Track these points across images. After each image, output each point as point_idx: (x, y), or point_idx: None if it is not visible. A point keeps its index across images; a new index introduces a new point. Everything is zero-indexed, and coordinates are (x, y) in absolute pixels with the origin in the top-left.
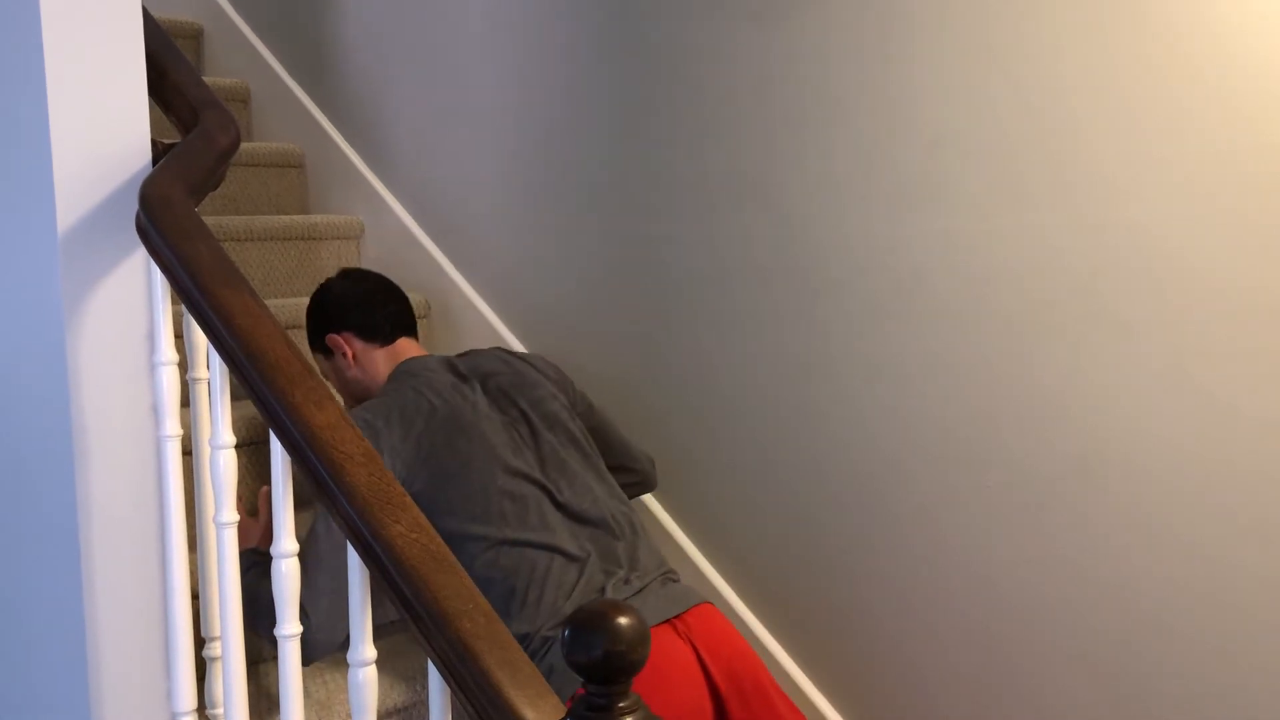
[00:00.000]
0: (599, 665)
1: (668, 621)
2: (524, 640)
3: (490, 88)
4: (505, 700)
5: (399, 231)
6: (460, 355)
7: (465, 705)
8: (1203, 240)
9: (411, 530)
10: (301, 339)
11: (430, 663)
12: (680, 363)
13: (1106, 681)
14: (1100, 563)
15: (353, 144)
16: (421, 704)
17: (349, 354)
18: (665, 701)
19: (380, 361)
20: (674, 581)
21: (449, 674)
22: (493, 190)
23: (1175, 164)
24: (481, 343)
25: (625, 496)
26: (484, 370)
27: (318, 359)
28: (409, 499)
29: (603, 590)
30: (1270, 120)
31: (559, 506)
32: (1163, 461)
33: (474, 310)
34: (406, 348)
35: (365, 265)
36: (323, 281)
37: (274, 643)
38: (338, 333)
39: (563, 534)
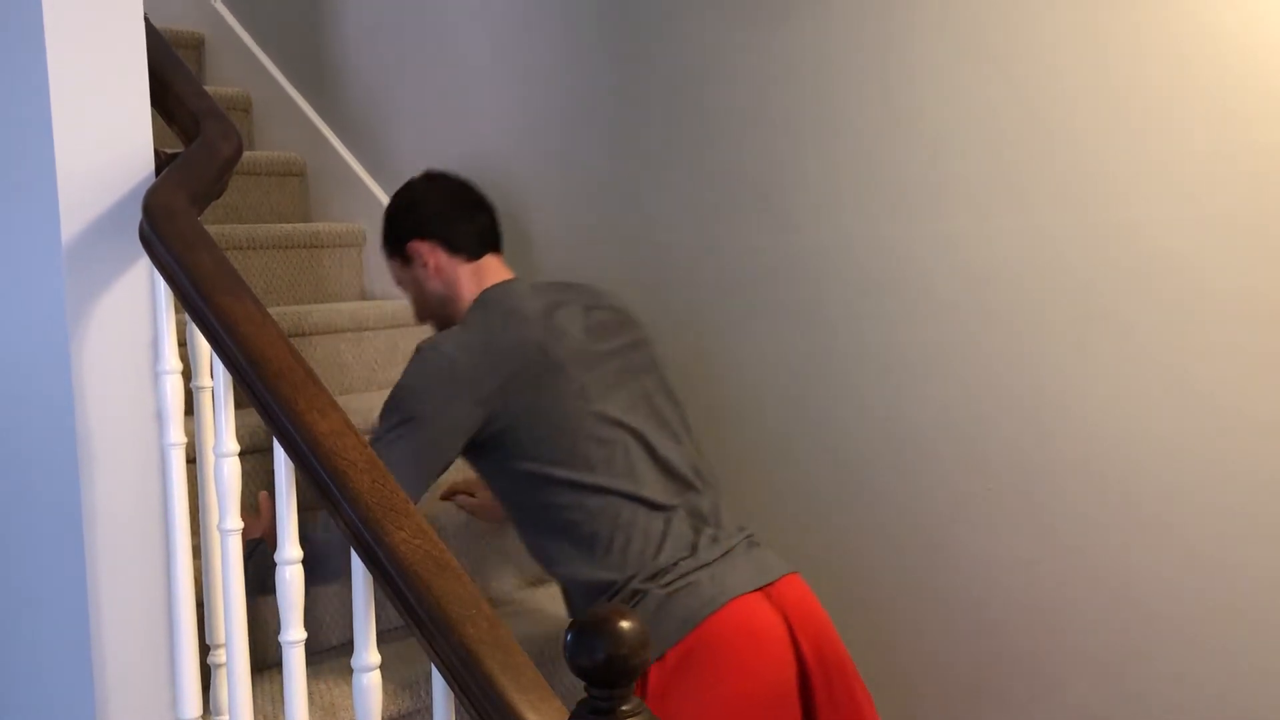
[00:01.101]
0: (601, 669)
1: (761, 589)
2: (609, 588)
3: (491, 95)
4: (509, 705)
5: None
6: (554, 283)
7: (469, 710)
8: (1202, 242)
9: (414, 536)
10: (305, 347)
11: (434, 668)
12: (681, 365)
13: (1107, 680)
14: (1100, 562)
15: (354, 152)
16: (425, 709)
17: (430, 265)
18: (757, 676)
19: (465, 279)
20: (758, 545)
21: (452, 679)
22: (494, 198)
23: (1174, 166)
24: None
25: (706, 456)
26: (584, 302)
27: (392, 265)
28: (411, 505)
29: (693, 546)
30: (1268, 122)
31: (649, 453)
32: (1162, 461)
33: None
34: (493, 267)
35: (367, 275)
36: (407, 181)
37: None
38: (421, 240)
39: (651, 483)
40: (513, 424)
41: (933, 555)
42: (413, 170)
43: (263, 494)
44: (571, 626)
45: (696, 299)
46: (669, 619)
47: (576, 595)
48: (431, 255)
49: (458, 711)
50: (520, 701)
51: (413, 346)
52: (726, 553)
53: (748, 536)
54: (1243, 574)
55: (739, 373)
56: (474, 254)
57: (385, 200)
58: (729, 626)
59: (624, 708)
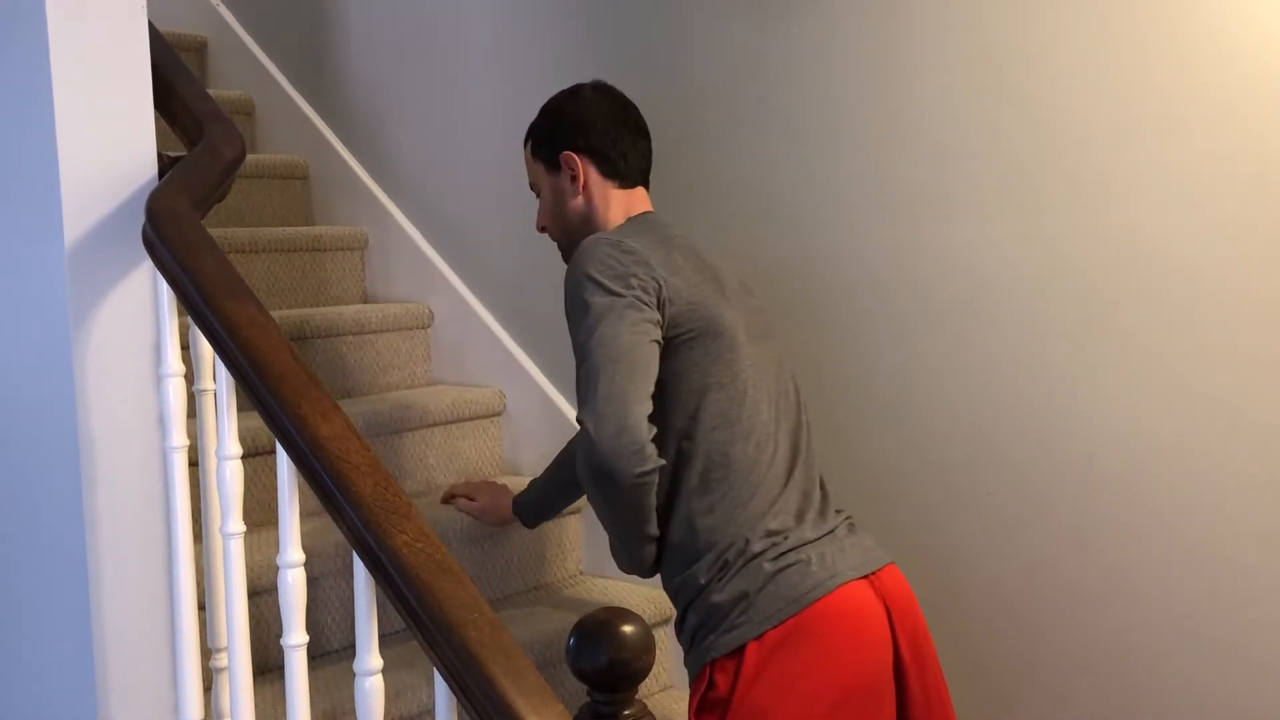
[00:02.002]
0: (604, 673)
1: (866, 577)
2: (717, 547)
3: (493, 97)
4: (511, 709)
5: (403, 242)
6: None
7: (471, 714)
8: (1204, 245)
9: (417, 540)
10: (307, 350)
11: (436, 671)
12: None
13: (1109, 680)
14: (1102, 563)
15: (356, 155)
16: (428, 713)
17: (580, 179)
18: (860, 665)
19: (614, 202)
20: (856, 529)
21: (454, 683)
22: (497, 201)
23: (1177, 169)
24: (483, 351)
25: None
26: (714, 262)
27: (535, 169)
28: (414, 508)
29: (800, 516)
30: (1271, 125)
31: (784, 411)
32: (1165, 463)
33: (478, 320)
34: (642, 199)
35: (369, 277)
36: (573, 86)
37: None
38: (576, 152)
39: (780, 440)
40: (688, 334)
41: (936, 556)
42: (415, 173)
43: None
44: (574, 631)
45: None
46: (775, 597)
47: (678, 547)
48: (584, 170)
49: (460, 715)
50: (522, 705)
51: (415, 350)
52: (831, 532)
53: (847, 519)
54: (1245, 575)
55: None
56: (629, 180)
57: (388, 203)
58: (835, 612)
59: (626, 712)
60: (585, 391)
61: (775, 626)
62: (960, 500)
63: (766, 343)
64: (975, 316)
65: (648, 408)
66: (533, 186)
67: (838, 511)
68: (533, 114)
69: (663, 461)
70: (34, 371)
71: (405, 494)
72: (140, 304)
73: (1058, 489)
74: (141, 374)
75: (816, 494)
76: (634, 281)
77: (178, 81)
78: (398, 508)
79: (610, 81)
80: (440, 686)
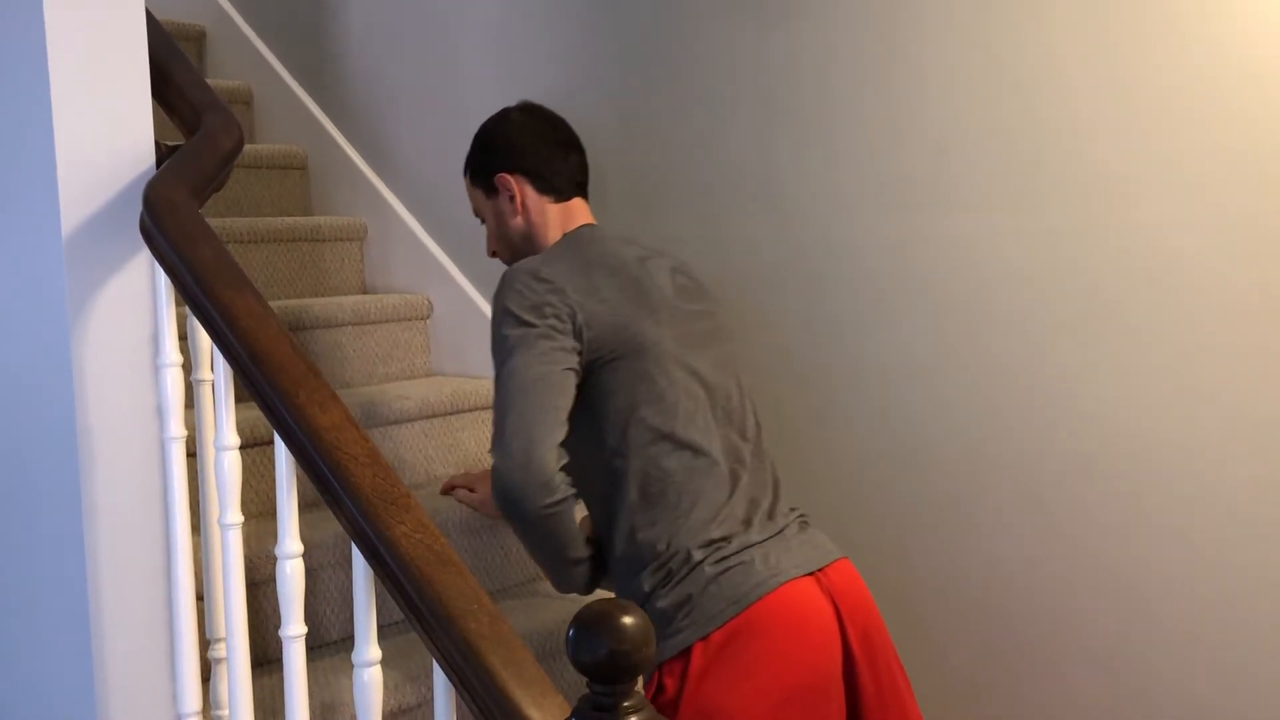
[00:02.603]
0: (604, 665)
1: (811, 574)
2: (661, 556)
3: (492, 89)
4: (510, 700)
5: (402, 233)
6: (635, 241)
7: (471, 705)
8: (1206, 242)
9: (415, 531)
10: (306, 340)
11: (435, 663)
12: None
13: (1109, 677)
14: (1103, 560)
15: (355, 145)
16: (427, 704)
17: (517, 199)
18: (805, 662)
19: (551, 218)
20: (809, 526)
21: (454, 674)
22: None
23: (1180, 165)
24: (483, 342)
25: None
26: (669, 263)
27: (474, 194)
28: (413, 499)
29: (747, 522)
30: (1274, 120)
31: (727, 417)
32: (1166, 460)
33: (477, 311)
34: (581, 210)
35: (368, 266)
36: (501, 110)
37: (564, 564)
38: (510, 173)
39: (722, 448)
40: (608, 357)
41: (935, 552)
42: (414, 163)
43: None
44: (573, 622)
45: None
46: (717, 598)
47: (624, 558)
48: (520, 189)
49: (459, 706)
50: (522, 697)
51: (414, 341)
52: (780, 532)
53: (800, 517)
54: (1245, 572)
55: (738, 367)
56: (564, 194)
57: (387, 193)
58: (778, 610)
59: (626, 704)
60: (496, 425)
61: (719, 627)
62: (959, 497)
63: (708, 349)
64: (975, 312)
65: (558, 436)
66: (476, 213)
67: (792, 509)
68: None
69: (572, 491)
70: (32, 362)
71: (404, 485)
72: (138, 294)
73: (1058, 483)
74: (139, 364)
75: (766, 498)
76: (547, 310)
77: (175, 70)
78: (396, 498)
79: (609, 73)
80: (439, 678)
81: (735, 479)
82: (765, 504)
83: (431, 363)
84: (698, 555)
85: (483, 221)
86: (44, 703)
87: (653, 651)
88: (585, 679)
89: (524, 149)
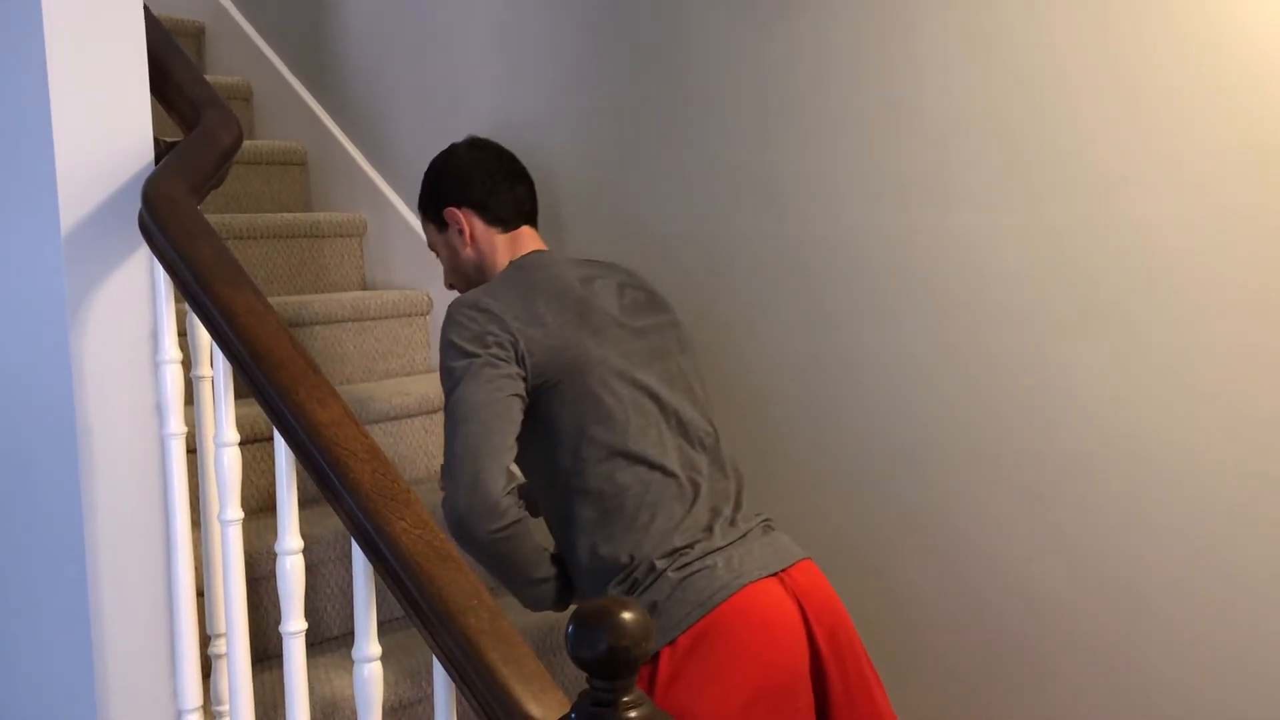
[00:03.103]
0: (603, 660)
1: (775, 575)
2: (625, 568)
3: (491, 85)
4: (510, 695)
5: (401, 228)
6: (588, 260)
7: (471, 701)
8: (1207, 237)
9: (415, 526)
10: (305, 336)
11: (435, 659)
12: None
13: (1107, 674)
14: (1103, 557)
15: (355, 141)
16: (427, 700)
17: (466, 232)
18: (770, 661)
19: (500, 247)
20: (773, 530)
21: (454, 670)
22: None
23: (1179, 161)
24: None
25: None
26: (618, 279)
27: (427, 229)
28: (413, 495)
29: (709, 529)
30: (1274, 116)
31: (681, 429)
32: (1165, 457)
33: None
34: (529, 238)
35: (368, 264)
36: (449, 146)
37: (528, 583)
38: (458, 207)
39: (678, 459)
40: (552, 381)
41: (934, 549)
42: (413, 159)
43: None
44: (573, 618)
45: (696, 291)
46: (681, 603)
47: (593, 570)
48: (468, 222)
49: (459, 702)
50: (522, 692)
51: (413, 337)
52: (742, 536)
53: (764, 521)
54: (1245, 571)
55: (739, 365)
56: (511, 224)
57: (386, 189)
58: (742, 612)
59: (626, 699)
60: (445, 454)
61: (684, 631)
62: (957, 494)
63: (657, 363)
64: (974, 309)
65: (504, 462)
66: (431, 248)
67: (757, 514)
68: (532, 100)
69: (523, 514)
70: (32, 359)
71: (404, 481)
72: (137, 290)
73: (1057, 480)
74: (139, 361)
75: (728, 506)
76: (489, 339)
77: (174, 67)
78: (396, 494)
79: (609, 71)
80: (440, 674)
81: (694, 489)
82: (727, 511)
83: (431, 359)
84: (661, 564)
85: (438, 256)
86: (44, 700)
87: (651, 646)
88: (585, 674)
89: (471, 183)
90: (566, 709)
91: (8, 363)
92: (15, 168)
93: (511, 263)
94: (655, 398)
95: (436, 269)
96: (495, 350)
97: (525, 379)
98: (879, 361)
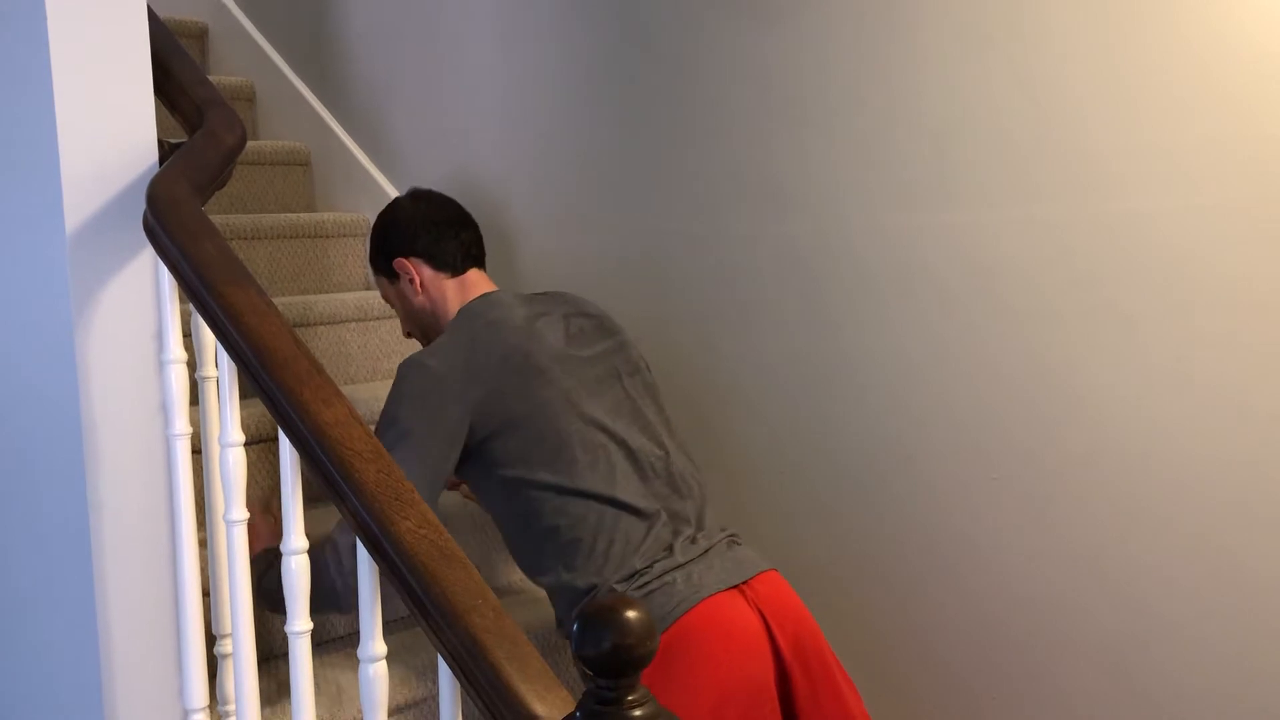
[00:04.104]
0: (607, 659)
1: (736, 587)
2: (589, 593)
3: (495, 85)
4: (515, 694)
5: None
6: (538, 293)
7: (475, 700)
8: (1207, 233)
9: (420, 526)
10: (310, 336)
11: (440, 658)
12: (686, 356)
13: (1111, 673)
14: (1105, 555)
15: (358, 141)
16: (432, 699)
17: (416, 280)
18: (731, 670)
19: (449, 292)
20: (738, 545)
21: (459, 669)
22: (498, 188)
23: (1179, 156)
24: None
25: (693, 456)
26: (567, 309)
27: (380, 282)
28: (417, 495)
29: (670, 548)
30: (1272, 110)
31: (631, 459)
32: (1167, 454)
33: None
34: (477, 281)
35: None
36: (393, 199)
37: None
38: (405, 257)
39: (633, 488)
40: (499, 430)
41: (934, 548)
42: (417, 159)
43: (274, 500)
44: (577, 617)
45: (696, 288)
46: None
47: (560, 601)
48: (416, 271)
49: (464, 701)
50: (526, 691)
51: None
52: (704, 553)
53: (729, 536)
54: (1245, 568)
55: (739, 362)
56: (458, 269)
57: (391, 190)
58: (702, 624)
59: (630, 697)
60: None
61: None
62: (958, 488)
63: (606, 393)
64: (975, 303)
65: (434, 491)
66: (386, 299)
67: (722, 530)
68: (536, 99)
69: None
70: (37, 359)
71: (408, 482)
72: (142, 291)
73: (1057, 478)
74: (143, 361)
75: (688, 526)
76: (432, 400)
77: (177, 67)
78: (401, 494)
79: (612, 68)
80: (444, 672)
81: (652, 514)
82: (688, 530)
83: None
84: (620, 587)
85: (393, 307)
86: (51, 699)
87: (656, 645)
88: (589, 673)
89: (416, 233)
90: (571, 708)
91: (13, 364)
92: (20, 169)
93: (460, 310)
94: (604, 429)
95: None
96: (436, 405)
97: (472, 429)
98: (879, 359)
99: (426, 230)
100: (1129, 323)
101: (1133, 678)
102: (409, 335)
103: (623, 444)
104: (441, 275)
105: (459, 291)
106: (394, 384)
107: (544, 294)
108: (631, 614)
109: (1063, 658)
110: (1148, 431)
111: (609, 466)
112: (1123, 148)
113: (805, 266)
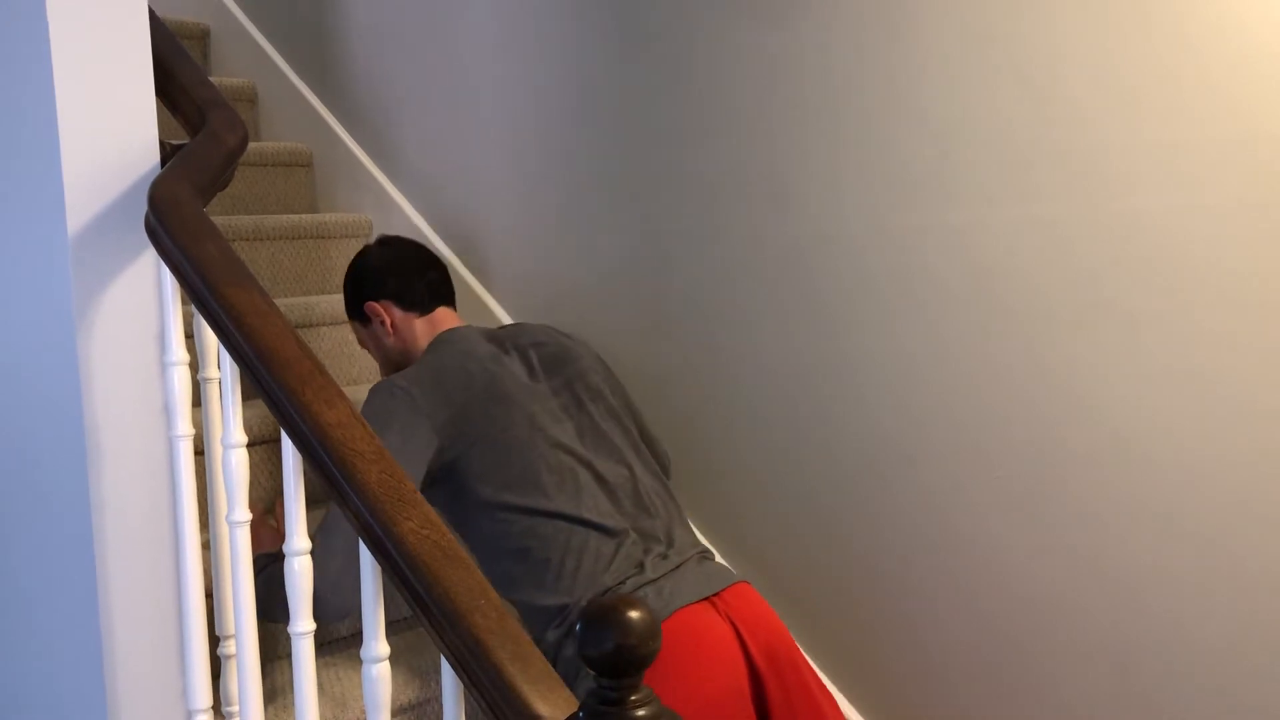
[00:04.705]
0: (610, 658)
1: (706, 599)
2: (561, 612)
3: (497, 84)
4: (518, 695)
5: (408, 228)
6: (501, 328)
7: (478, 700)
8: (1209, 231)
9: (423, 526)
10: (312, 337)
11: (443, 658)
12: (688, 355)
13: (1113, 672)
14: (1108, 554)
15: (360, 142)
16: (435, 699)
17: (387, 322)
18: (704, 679)
19: (419, 331)
20: (709, 560)
21: (461, 669)
22: (501, 187)
23: (1181, 153)
24: None
25: (662, 475)
26: (527, 341)
27: (355, 326)
28: (419, 495)
29: (641, 565)
30: (1277, 111)
31: (598, 479)
32: (1170, 453)
33: (484, 307)
34: (445, 317)
35: None
36: (361, 248)
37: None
38: (376, 301)
39: (601, 508)
40: (466, 451)
41: (935, 547)
42: (420, 159)
43: (278, 504)
44: (580, 617)
45: (697, 287)
46: None
47: (533, 621)
48: (387, 313)
49: (467, 701)
50: (529, 691)
51: None
52: (676, 568)
53: (700, 553)
54: (1248, 567)
55: (741, 360)
56: (426, 308)
57: (392, 190)
58: (674, 636)
59: (633, 697)
60: (321, 528)
61: None
62: (960, 487)
63: (571, 419)
64: (977, 302)
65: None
66: (362, 345)
67: (693, 546)
68: (538, 98)
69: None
70: (39, 361)
71: (411, 482)
72: (144, 292)
73: (1059, 476)
74: (146, 363)
75: (659, 544)
76: (400, 416)
77: (179, 68)
78: (403, 494)
79: (615, 66)
80: (447, 673)
81: (620, 532)
82: (659, 548)
83: None
84: None
85: (369, 351)
86: (55, 700)
87: (659, 645)
88: (592, 673)
89: (384, 277)
90: (574, 708)
91: (16, 366)
92: (22, 172)
93: (429, 344)
94: (571, 453)
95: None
96: (406, 422)
97: (439, 450)
98: (880, 358)
99: (394, 274)
100: (1131, 322)
101: (1135, 678)
102: (387, 375)
103: (589, 466)
104: (411, 315)
105: (428, 329)
106: (364, 405)
107: (505, 328)
108: (634, 614)
109: (1064, 657)
110: (1149, 430)
111: (576, 487)
112: (1125, 147)
113: (806, 266)
